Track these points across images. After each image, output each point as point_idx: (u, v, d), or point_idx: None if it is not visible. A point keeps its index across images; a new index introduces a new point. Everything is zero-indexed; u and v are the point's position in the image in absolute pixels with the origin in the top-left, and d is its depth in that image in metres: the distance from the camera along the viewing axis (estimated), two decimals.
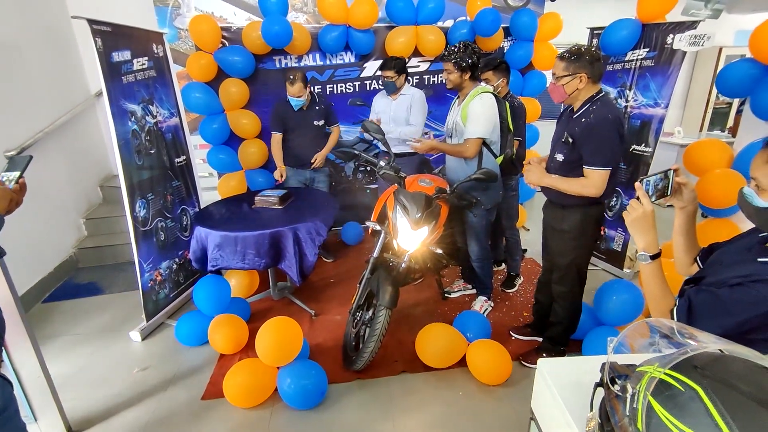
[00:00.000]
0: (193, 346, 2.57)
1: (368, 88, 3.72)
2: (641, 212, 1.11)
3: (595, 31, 3.34)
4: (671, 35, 2.77)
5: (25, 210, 1.46)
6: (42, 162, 3.32)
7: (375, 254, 2.32)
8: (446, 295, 3.05)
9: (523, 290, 3.15)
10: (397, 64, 2.98)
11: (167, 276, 2.87)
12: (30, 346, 1.80)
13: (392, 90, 3.06)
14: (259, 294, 3.05)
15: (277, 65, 3.50)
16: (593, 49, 1.88)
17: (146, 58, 2.68)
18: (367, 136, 3.28)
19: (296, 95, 2.93)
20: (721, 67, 5.52)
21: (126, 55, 2.50)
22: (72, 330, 2.81)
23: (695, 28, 2.67)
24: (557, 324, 2.27)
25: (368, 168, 4.00)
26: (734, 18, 5.67)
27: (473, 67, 2.39)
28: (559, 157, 1.95)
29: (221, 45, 3.28)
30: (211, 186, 4.07)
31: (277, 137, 3.15)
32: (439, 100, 3.86)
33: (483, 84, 2.53)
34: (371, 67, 3.66)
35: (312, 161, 3.19)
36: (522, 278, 3.23)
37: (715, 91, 5.74)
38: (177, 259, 2.96)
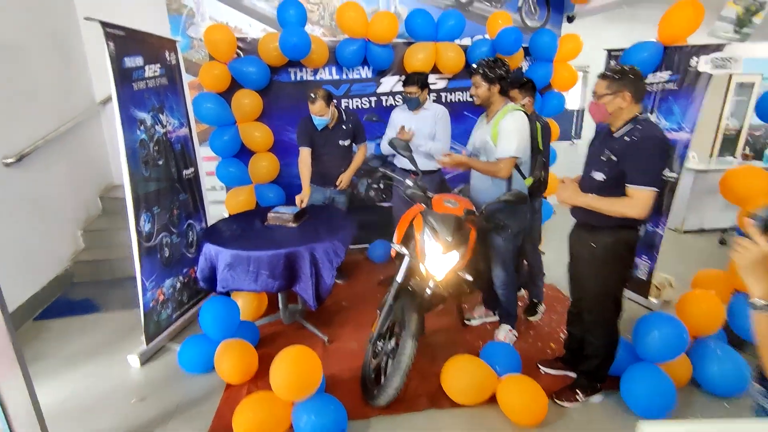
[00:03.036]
0: (197, 374, 2.37)
1: (384, 104, 3.62)
2: (756, 253, 0.94)
3: (613, 53, 3.27)
4: (695, 58, 2.70)
5: (19, 220, 1.30)
6: (41, 170, 3.16)
7: (399, 279, 2.16)
8: (467, 322, 2.87)
9: (546, 319, 2.98)
10: (420, 80, 2.89)
11: (170, 295, 2.68)
12: (19, 374, 1.60)
13: (415, 105, 2.95)
14: (268, 317, 2.86)
15: (293, 78, 3.39)
16: (636, 68, 1.79)
17: (158, 65, 2.56)
18: (384, 151, 3.17)
19: (318, 114, 2.79)
20: (731, 93, 5.54)
21: (138, 61, 2.37)
22: (64, 351, 2.59)
23: (721, 50, 2.60)
24: (592, 357, 2.11)
25: (381, 185, 3.86)
26: (743, 45, 5.72)
27: (502, 80, 2.29)
28: (598, 176, 1.83)
29: (236, 55, 3.18)
30: (217, 200, 3.91)
31: (305, 153, 2.93)
32: (457, 118, 3.76)
33: (511, 102, 2.42)
34: (388, 82, 3.56)
35: (337, 183, 3.04)
36: (544, 306, 3.07)
37: (725, 117, 5.73)
38: (181, 278, 2.78)
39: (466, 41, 3.69)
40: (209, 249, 2.33)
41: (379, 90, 3.57)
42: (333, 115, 2.90)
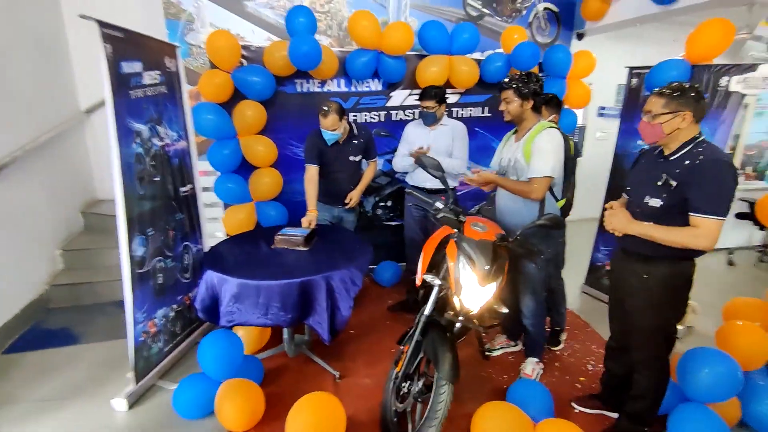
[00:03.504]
0: (194, 419, 2.08)
1: (394, 118, 3.44)
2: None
3: (635, 71, 3.19)
4: (725, 77, 2.62)
5: None
6: (18, 183, 2.85)
7: (427, 312, 1.94)
8: (488, 353, 2.66)
9: (570, 348, 2.80)
10: (437, 94, 2.73)
11: (162, 327, 2.39)
12: None
13: (431, 121, 2.78)
14: (270, 350, 2.59)
15: (299, 89, 3.19)
16: (697, 86, 1.65)
17: (158, 71, 2.33)
18: (397, 167, 2.98)
19: (330, 128, 2.59)
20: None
21: (137, 66, 2.14)
22: (36, 393, 2.27)
23: (754, 70, 2.53)
24: (640, 398, 1.92)
25: (389, 203, 3.66)
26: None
27: (535, 96, 2.14)
28: (655, 202, 1.67)
29: (239, 64, 2.96)
30: (212, 217, 3.63)
31: (312, 170, 2.71)
32: (469, 134, 3.61)
33: (544, 120, 2.27)
34: (398, 96, 3.40)
35: (346, 201, 2.83)
36: (566, 333, 2.89)
37: (742, 138, 5.73)
38: (175, 306, 2.50)
39: (477, 56, 3.56)
40: (211, 277, 2.08)
41: (389, 104, 3.40)
42: (345, 130, 2.71)
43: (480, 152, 3.60)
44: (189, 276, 2.62)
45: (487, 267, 1.80)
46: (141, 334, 2.21)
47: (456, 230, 1.94)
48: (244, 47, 2.98)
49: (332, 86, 3.26)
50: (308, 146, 2.74)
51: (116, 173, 1.97)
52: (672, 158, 1.66)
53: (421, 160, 2.03)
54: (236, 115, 2.95)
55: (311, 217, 2.63)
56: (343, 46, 3.67)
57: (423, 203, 2.03)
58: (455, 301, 1.90)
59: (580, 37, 4.03)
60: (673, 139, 1.66)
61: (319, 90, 3.23)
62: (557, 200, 2.25)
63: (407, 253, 3.19)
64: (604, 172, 3.34)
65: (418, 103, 3.31)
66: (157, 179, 2.30)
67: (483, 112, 3.63)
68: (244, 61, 2.99)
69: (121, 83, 2.01)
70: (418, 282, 2.06)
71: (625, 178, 1.97)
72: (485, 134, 3.68)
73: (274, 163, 3.19)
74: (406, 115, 3.45)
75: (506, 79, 2.18)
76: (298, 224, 2.62)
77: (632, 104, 3.16)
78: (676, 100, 1.61)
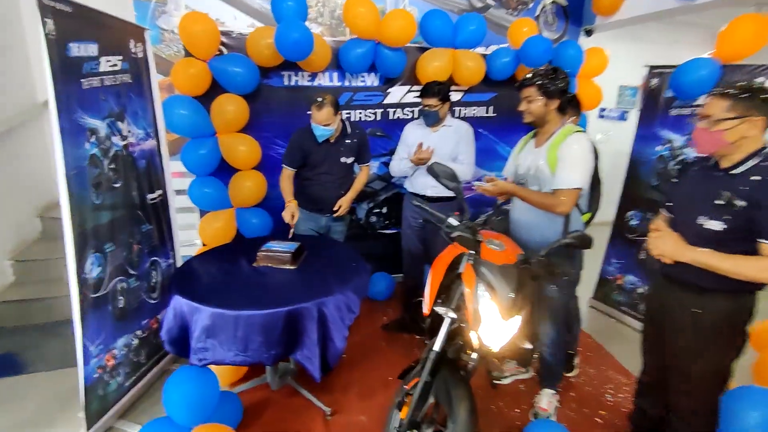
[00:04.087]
0: None
1: (391, 117, 3.13)
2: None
3: (655, 70, 2.94)
4: (761, 78, 2.39)
5: None
6: None
7: (437, 348, 1.64)
8: (496, 382, 2.39)
9: (584, 374, 2.54)
10: (441, 91, 2.42)
11: (123, 358, 2.05)
12: None
13: (434, 121, 2.49)
14: (251, 381, 2.25)
15: (286, 82, 2.85)
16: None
17: (120, 57, 1.97)
18: (395, 172, 2.68)
19: (323, 123, 2.28)
20: None
21: (91, 49, 1.78)
22: None
23: None
24: None
25: (384, 210, 3.35)
26: None
27: (562, 94, 1.87)
28: (714, 225, 1.40)
29: (218, 52, 2.61)
30: (187, 223, 3.26)
31: (288, 172, 2.48)
32: None
33: (570, 123, 2.00)
34: (396, 93, 3.09)
35: (335, 208, 2.52)
36: (579, 357, 2.63)
37: None
38: (140, 332, 2.15)
39: (481, 50, 3.27)
40: (180, 304, 1.74)
41: (386, 101, 3.09)
42: (337, 128, 2.39)
43: (483, 156, 3.31)
44: (157, 296, 2.28)
45: (512, 296, 1.52)
46: (96, 370, 1.86)
47: (472, 251, 1.65)
48: (224, 33, 2.63)
49: (323, 80, 2.93)
50: (292, 145, 2.44)
51: (61, 179, 1.62)
52: (735, 172, 1.40)
53: (432, 168, 1.72)
54: (214, 111, 2.60)
55: (293, 209, 2.36)
56: (335, 35, 3.34)
57: (433, 218, 1.73)
58: (472, 336, 1.61)
59: (588, 33, 3.78)
60: (736, 149, 1.40)
61: (308, 84, 2.90)
62: (582, 214, 1.98)
63: (404, 265, 2.90)
64: (609, 177, 3.10)
65: (418, 100, 3.01)
66: (118, 185, 1.94)
67: (487, 112, 3.34)
68: (223, 49, 2.64)
69: (68, 69, 1.65)
70: (426, 311, 1.76)
71: (668, 193, 1.71)
72: (489, 136, 3.39)
73: (258, 165, 2.85)
74: (404, 113, 3.14)
75: (529, 75, 1.89)
76: (284, 236, 2.30)
77: (651, 106, 2.91)
78: (743, 103, 1.35)
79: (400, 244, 2.83)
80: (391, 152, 3.15)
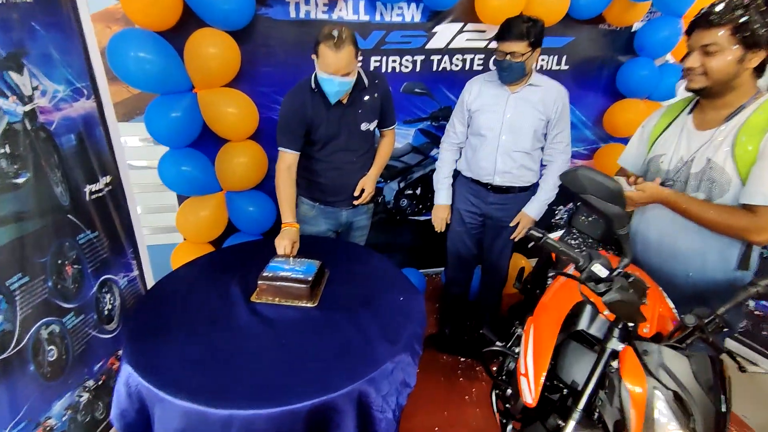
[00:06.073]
0: None
1: (435, 68, 2.30)
2: None
3: None
4: None
5: None
6: None
7: None
8: None
9: None
10: (531, 31, 1.61)
11: (68, 424, 1.41)
12: None
13: (516, 77, 1.69)
14: None
15: (292, 13, 1.99)
16: None
17: None
18: (444, 161, 1.94)
19: (341, 72, 1.47)
20: None
21: None
22: None
23: None
24: None
25: (417, 191, 2.62)
26: None
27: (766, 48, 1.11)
28: None
29: None
30: (164, 205, 2.53)
31: (289, 159, 1.69)
32: None
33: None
34: (445, 33, 2.22)
35: (356, 194, 1.79)
36: None
37: None
38: (92, 381, 1.50)
39: None
40: (135, 382, 1.07)
41: (431, 45, 2.23)
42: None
43: None
44: (116, 325, 1.61)
45: (724, 410, 0.86)
46: None
47: (629, 323, 0.95)
48: None
49: (345, 11, 2.07)
50: (287, 116, 1.65)
51: None
52: None
53: (577, 177, 0.93)
54: (190, 53, 1.78)
55: (293, 236, 1.58)
56: None
57: (564, 256, 1.00)
58: None
59: None
60: None
61: (324, 17, 2.04)
62: None
63: (448, 268, 2.23)
64: None
65: (472, 45, 2.20)
66: (21, 180, 1.19)
67: (559, 64, 2.50)
68: None
69: None
70: (530, 401, 1.09)
71: None
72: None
73: (254, 134, 2.07)
74: (454, 64, 2.30)
75: (719, 7, 1.10)
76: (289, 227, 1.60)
77: None
78: None
79: (431, 232, 2.14)
80: (433, 117, 2.38)
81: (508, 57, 1.63)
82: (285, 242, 1.53)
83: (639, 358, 0.92)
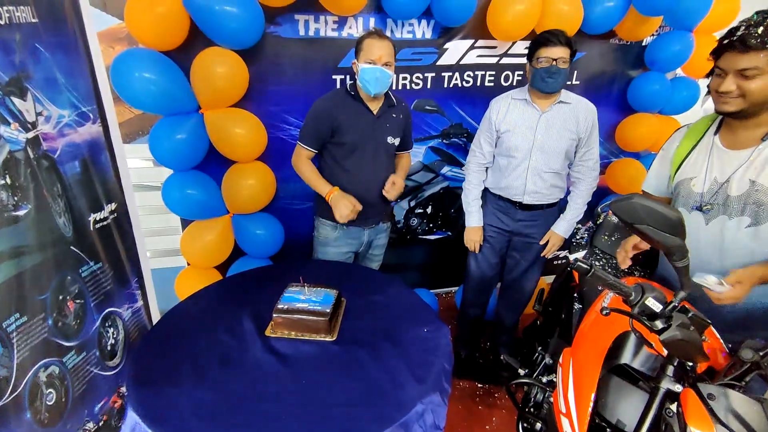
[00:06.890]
0: None
1: (446, 85, 2.25)
2: None
3: None
4: None
5: None
6: None
7: None
8: None
9: None
10: (570, 40, 1.60)
11: None
12: None
13: (561, 84, 1.64)
14: None
15: (301, 32, 1.94)
16: None
17: None
18: (478, 166, 1.88)
19: (384, 59, 1.55)
20: None
21: None
22: None
23: None
24: None
25: (428, 210, 2.55)
26: None
27: None
28: None
29: None
30: (160, 228, 2.44)
31: (305, 154, 1.71)
32: None
33: None
34: (455, 49, 2.18)
35: (386, 188, 1.73)
36: None
37: None
38: (92, 423, 1.40)
39: None
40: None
41: (442, 61, 2.19)
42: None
43: None
44: (118, 360, 1.51)
45: None
46: None
47: (689, 362, 0.87)
48: None
49: (355, 28, 2.02)
50: (318, 114, 1.64)
51: None
52: None
53: (634, 207, 0.83)
54: (197, 73, 1.72)
55: (346, 198, 1.64)
56: None
57: (614, 290, 0.91)
58: None
59: None
60: None
61: (334, 34, 2.00)
62: None
63: (467, 291, 2.15)
64: None
65: (483, 60, 2.17)
66: (21, 212, 1.11)
67: (571, 79, 2.47)
68: None
69: None
70: None
71: None
72: None
73: (263, 155, 2.00)
74: (464, 80, 2.26)
75: (760, 29, 1.04)
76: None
77: None
78: None
79: (442, 252, 2.06)
80: (444, 134, 2.32)
81: (555, 63, 1.58)
82: (346, 205, 1.60)
83: (704, 403, 0.83)
